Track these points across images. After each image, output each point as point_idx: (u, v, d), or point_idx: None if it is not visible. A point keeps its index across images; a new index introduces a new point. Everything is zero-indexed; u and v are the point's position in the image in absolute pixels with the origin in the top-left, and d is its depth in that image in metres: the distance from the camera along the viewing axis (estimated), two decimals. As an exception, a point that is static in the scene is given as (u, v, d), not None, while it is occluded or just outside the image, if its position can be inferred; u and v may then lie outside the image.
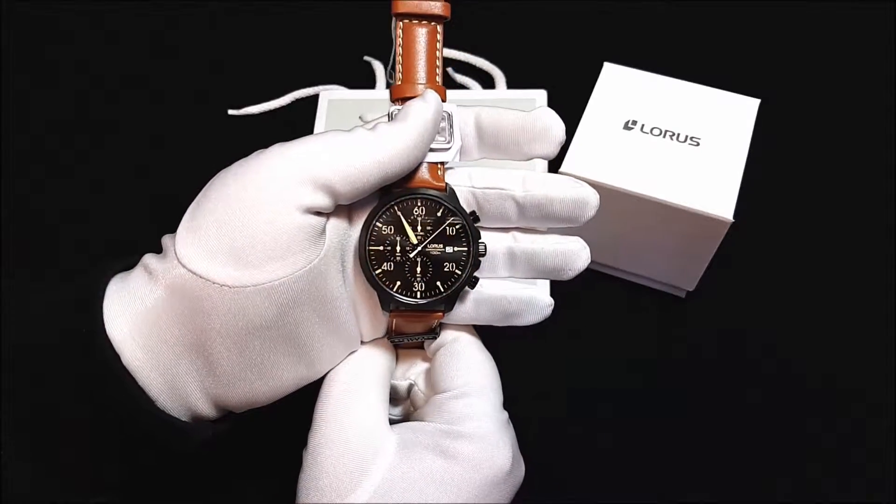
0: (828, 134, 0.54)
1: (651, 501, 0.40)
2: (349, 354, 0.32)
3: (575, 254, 0.32)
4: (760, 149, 0.42)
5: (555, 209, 0.31)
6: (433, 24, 0.31)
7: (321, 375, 0.31)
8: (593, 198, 0.31)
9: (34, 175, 0.54)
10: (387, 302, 0.30)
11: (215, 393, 0.28)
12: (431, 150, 0.30)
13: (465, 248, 0.30)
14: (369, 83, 0.58)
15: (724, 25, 0.61)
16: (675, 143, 0.42)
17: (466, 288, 0.31)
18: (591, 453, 0.41)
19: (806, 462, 0.41)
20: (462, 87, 0.57)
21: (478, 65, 0.58)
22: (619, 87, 0.45)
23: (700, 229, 0.40)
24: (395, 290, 0.30)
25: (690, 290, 0.46)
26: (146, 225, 0.51)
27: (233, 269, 0.26)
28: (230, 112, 0.57)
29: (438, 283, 0.30)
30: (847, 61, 0.58)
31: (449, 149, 0.31)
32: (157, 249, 0.29)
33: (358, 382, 0.30)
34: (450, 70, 0.57)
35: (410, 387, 0.33)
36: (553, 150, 0.31)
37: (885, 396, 0.42)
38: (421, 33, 0.31)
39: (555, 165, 0.42)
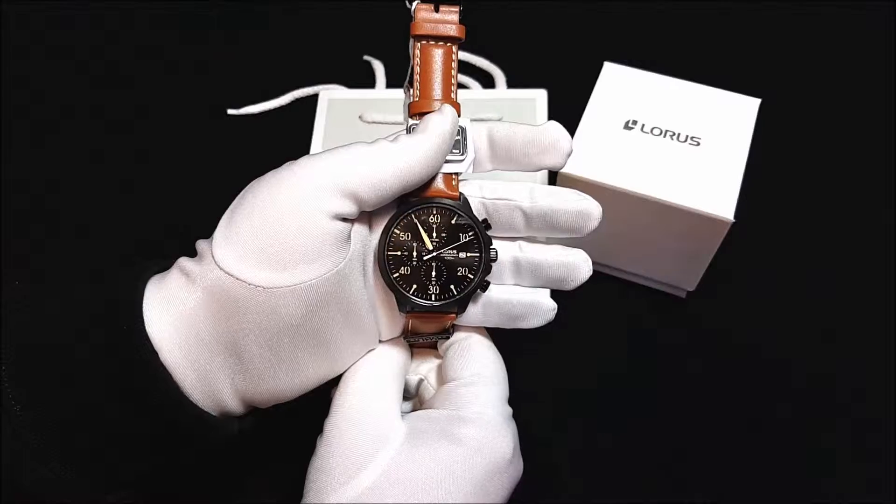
0: (828, 134, 0.54)
1: (651, 502, 0.40)
2: (368, 352, 0.33)
3: (577, 266, 0.33)
4: (760, 149, 0.42)
5: (559, 220, 0.33)
6: (449, 44, 0.33)
7: (342, 371, 0.32)
8: (596, 210, 0.33)
9: (34, 175, 0.54)
10: (403, 304, 0.32)
11: (244, 389, 0.30)
12: (447, 161, 0.32)
13: (478, 254, 0.32)
14: (369, 83, 0.58)
15: (724, 25, 0.61)
16: (676, 143, 0.42)
17: (478, 291, 0.32)
18: (590, 454, 0.41)
19: (806, 462, 0.41)
20: (462, 86, 0.57)
21: (478, 64, 0.58)
22: (619, 86, 0.45)
23: (700, 229, 0.40)
24: (410, 292, 0.31)
25: (690, 290, 0.46)
26: (147, 223, 0.51)
27: (267, 272, 0.28)
28: (230, 112, 0.57)
29: (452, 287, 0.32)
30: (847, 61, 0.58)
31: (463, 160, 0.32)
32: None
33: (375, 377, 0.32)
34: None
35: (420, 382, 0.35)
36: (561, 162, 0.33)
37: (886, 396, 0.42)
38: (437, 54, 0.33)
39: (555, 165, 0.42)
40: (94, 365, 0.28)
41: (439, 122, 0.31)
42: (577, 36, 0.61)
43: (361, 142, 0.30)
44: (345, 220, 0.30)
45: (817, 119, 0.55)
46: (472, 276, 0.32)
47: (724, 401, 0.43)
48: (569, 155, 0.33)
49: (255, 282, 0.28)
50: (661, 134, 0.43)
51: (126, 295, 0.29)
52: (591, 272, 0.34)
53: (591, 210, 0.33)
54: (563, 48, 0.60)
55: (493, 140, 0.33)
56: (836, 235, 0.49)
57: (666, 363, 0.44)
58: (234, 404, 0.30)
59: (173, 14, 0.64)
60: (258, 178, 0.30)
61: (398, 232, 0.31)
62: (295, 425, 0.35)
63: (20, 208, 0.52)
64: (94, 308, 0.29)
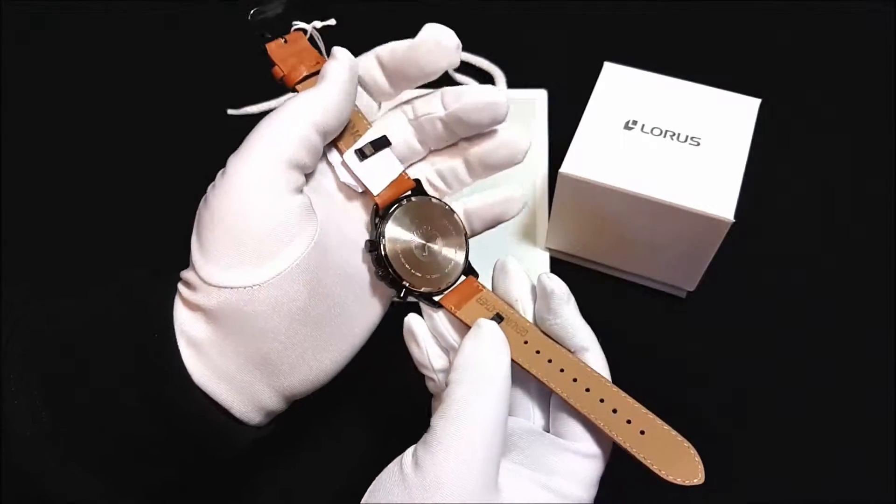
0: (828, 134, 0.54)
1: (648, 502, 0.40)
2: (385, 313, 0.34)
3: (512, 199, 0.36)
4: (760, 149, 0.42)
5: (472, 118, 0.33)
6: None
7: (364, 337, 0.33)
8: (502, 98, 0.33)
9: (32, 175, 0.54)
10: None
11: (282, 385, 0.30)
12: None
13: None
14: (369, 83, 0.58)
15: (724, 25, 0.61)
16: (676, 143, 0.42)
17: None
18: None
19: (807, 462, 0.41)
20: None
21: (478, 64, 0.58)
22: (619, 87, 0.45)
23: (700, 229, 0.40)
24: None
25: (690, 290, 0.46)
26: (146, 225, 0.51)
27: (256, 267, 0.28)
28: (230, 112, 0.57)
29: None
30: (847, 61, 0.58)
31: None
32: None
33: (481, 428, 0.27)
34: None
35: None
36: (452, 58, 0.33)
37: (886, 397, 0.42)
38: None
39: (555, 165, 0.42)
40: (125, 377, 0.28)
41: (337, 70, 0.32)
42: (577, 36, 0.61)
43: (274, 110, 0.31)
44: (300, 191, 0.30)
45: (817, 119, 0.55)
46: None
47: (724, 401, 0.43)
48: (457, 48, 0.33)
49: (250, 282, 0.28)
50: (661, 134, 0.43)
51: (153, 309, 0.29)
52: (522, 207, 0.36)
53: (496, 100, 0.33)
54: (563, 48, 0.60)
55: (382, 62, 0.34)
56: (836, 235, 0.49)
57: (666, 363, 0.44)
58: (275, 403, 0.31)
59: (173, 13, 0.64)
60: (209, 189, 0.30)
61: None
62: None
63: (18, 207, 0.52)
64: (121, 317, 0.29)
